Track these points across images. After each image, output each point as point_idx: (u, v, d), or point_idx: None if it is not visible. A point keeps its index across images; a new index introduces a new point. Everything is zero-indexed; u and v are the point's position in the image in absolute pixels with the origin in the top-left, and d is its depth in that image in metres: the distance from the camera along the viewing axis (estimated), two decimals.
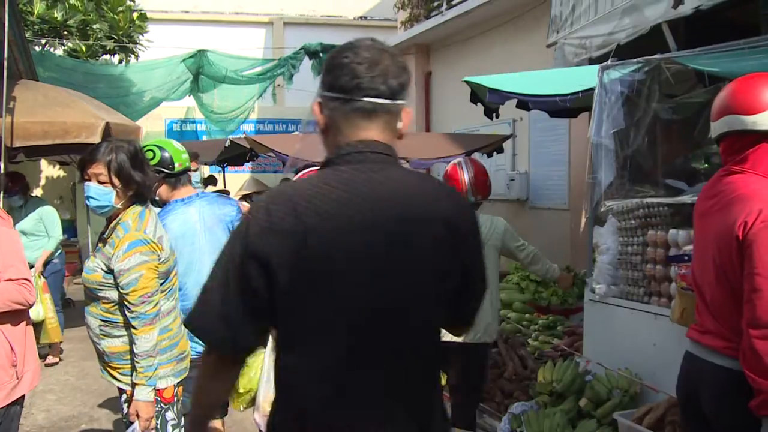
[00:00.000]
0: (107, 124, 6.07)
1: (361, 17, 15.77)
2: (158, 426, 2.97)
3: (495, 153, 8.04)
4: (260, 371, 3.06)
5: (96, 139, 6.00)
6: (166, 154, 3.51)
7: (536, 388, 4.12)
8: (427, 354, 1.69)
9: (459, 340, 3.85)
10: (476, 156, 7.50)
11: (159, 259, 2.88)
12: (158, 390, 2.94)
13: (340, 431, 1.58)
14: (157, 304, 2.86)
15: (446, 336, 3.79)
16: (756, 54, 3.38)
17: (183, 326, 2.48)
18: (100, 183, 2.87)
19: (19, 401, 2.99)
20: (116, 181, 2.87)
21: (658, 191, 3.99)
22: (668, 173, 4.43)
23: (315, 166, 6.47)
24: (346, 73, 1.60)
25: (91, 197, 2.88)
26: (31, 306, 2.98)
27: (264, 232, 1.54)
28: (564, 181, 8.23)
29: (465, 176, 4.03)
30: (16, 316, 2.93)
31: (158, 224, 3.01)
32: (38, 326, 6.01)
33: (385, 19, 14.95)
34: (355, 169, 1.60)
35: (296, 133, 12.40)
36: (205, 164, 10.34)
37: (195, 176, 6.85)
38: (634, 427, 3.34)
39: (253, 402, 3.12)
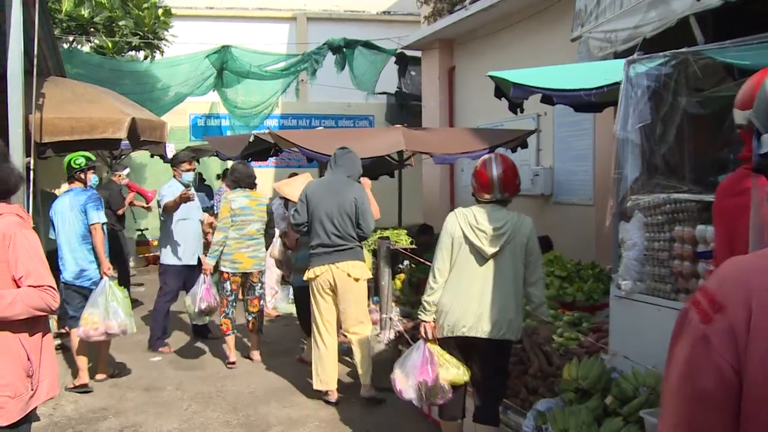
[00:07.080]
0: (133, 119, 6.15)
1: (384, 12, 15.77)
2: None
3: (519, 148, 8.00)
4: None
5: (122, 134, 6.08)
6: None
7: (561, 385, 4.09)
8: None
9: (484, 336, 3.86)
10: (501, 151, 7.47)
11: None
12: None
13: None
14: None
15: (470, 332, 3.80)
16: None
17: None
18: None
19: (31, 416, 2.92)
20: None
21: (686, 186, 3.92)
22: (696, 168, 4.37)
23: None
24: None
25: None
26: (53, 312, 2.92)
27: None
28: (589, 176, 8.17)
29: (493, 173, 3.97)
30: (33, 324, 2.87)
31: None
32: None
33: (408, 13, 14.93)
34: None
35: (319, 128, 12.41)
36: (229, 159, 10.45)
37: (188, 176, 6.85)
38: None
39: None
